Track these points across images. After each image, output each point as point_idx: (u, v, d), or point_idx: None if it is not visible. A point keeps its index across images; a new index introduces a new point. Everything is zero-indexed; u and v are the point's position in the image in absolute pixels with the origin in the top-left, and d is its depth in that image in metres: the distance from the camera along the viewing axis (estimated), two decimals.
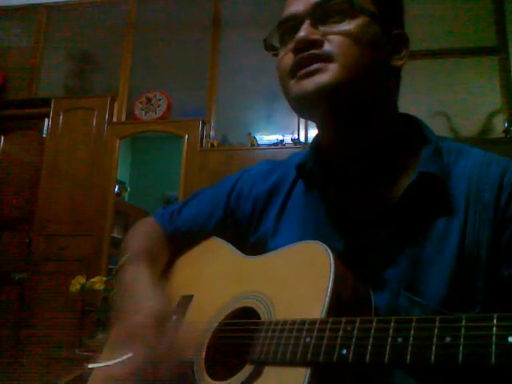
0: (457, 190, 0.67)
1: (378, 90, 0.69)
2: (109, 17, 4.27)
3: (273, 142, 3.68)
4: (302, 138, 3.64)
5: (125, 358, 0.61)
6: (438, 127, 3.26)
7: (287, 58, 0.69)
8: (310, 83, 0.65)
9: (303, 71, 0.66)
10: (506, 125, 3.33)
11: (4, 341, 3.56)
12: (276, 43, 0.73)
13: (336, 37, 0.66)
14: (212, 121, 3.88)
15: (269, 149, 3.62)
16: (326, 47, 0.66)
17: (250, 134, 3.69)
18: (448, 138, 0.75)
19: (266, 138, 3.76)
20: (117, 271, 0.83)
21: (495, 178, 0.65)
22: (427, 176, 0.66)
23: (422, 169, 0.67)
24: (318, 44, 0.66)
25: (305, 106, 0.69)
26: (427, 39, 3.58)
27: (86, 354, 2.57)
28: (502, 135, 3.33)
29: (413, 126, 0.75)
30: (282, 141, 3.63)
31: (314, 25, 0.67)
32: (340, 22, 0.66)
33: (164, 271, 0.87)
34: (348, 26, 0.66)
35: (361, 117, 0.69)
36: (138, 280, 0.76)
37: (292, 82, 0.68)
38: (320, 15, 0.67)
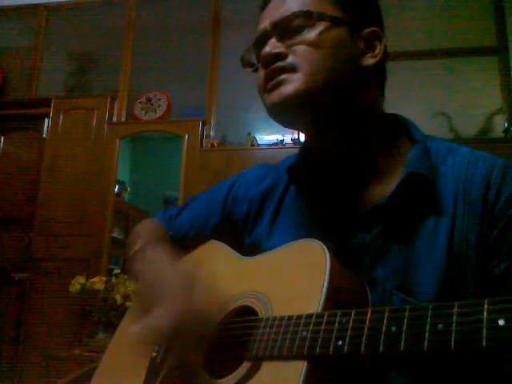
0: (445, 189, 0.67)
1: (352, 91, 0.70)
2: (109, 17, 4.26)
3: (273, 141, 3.67)
4: (302, 138, 3.64)
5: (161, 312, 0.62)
6: (437, 127, 3.28)
7: (261, 74, 0.73)
8: (276, 95, 0.69)
9: (270, 84, 0.70)
10: (506, 125, 3.33)
11: (4, 340, 3.56)
12: (254, 60, 0.77)
13: (298, 47, 0.69)
14: (212, 121, 3.87)
15: (269, 149, 3.62)
16: (290, 59, 0.69)
17: (249, 133, 3.68)
18: (436, 137, 0.76)
19: (266, 137, 3.75)
20: (130, 258, 0.84)
21: (482, 177, 0.66)
22: (415, 176, 0.67)
23: (410, 169, 0.67)
24: (282, 56, 0.69)
25: (278, 117, 0.72)
26: (427, 39, 3.58)
27: (86, 353, 2.57)
28: (502, 135, 3.33)
29: (400, 126, 0.76)
30: (282, 141, 3.63)
31: (280, 39, 0.70)
32: (301, 32, 0.69)
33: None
34: (308, 34, 0.69)
35: (337, 119, 0.71)
36: (158, 257, 0.78)
37: (265, 96, 0.72)
38: (282, 29, 0.70)
